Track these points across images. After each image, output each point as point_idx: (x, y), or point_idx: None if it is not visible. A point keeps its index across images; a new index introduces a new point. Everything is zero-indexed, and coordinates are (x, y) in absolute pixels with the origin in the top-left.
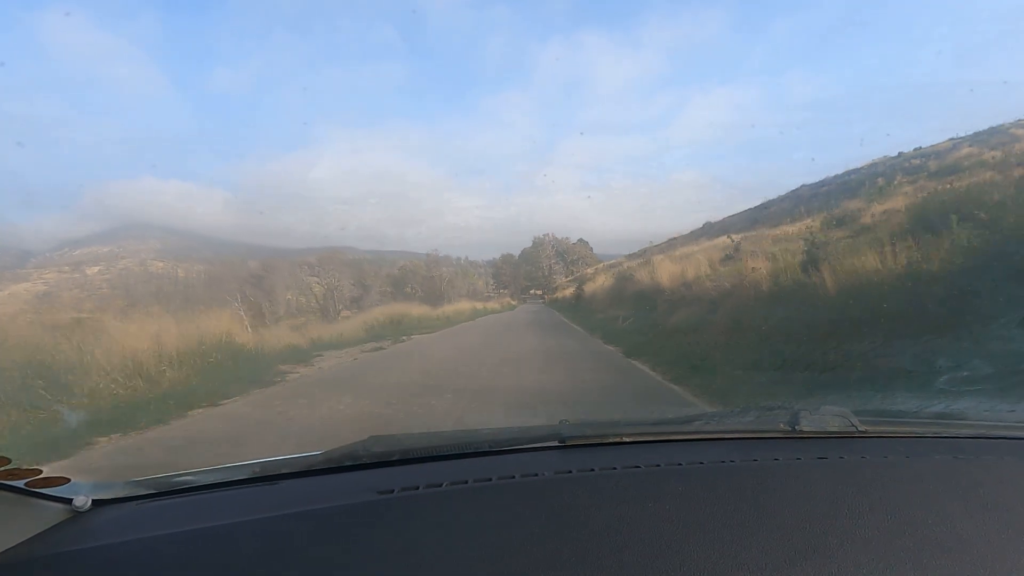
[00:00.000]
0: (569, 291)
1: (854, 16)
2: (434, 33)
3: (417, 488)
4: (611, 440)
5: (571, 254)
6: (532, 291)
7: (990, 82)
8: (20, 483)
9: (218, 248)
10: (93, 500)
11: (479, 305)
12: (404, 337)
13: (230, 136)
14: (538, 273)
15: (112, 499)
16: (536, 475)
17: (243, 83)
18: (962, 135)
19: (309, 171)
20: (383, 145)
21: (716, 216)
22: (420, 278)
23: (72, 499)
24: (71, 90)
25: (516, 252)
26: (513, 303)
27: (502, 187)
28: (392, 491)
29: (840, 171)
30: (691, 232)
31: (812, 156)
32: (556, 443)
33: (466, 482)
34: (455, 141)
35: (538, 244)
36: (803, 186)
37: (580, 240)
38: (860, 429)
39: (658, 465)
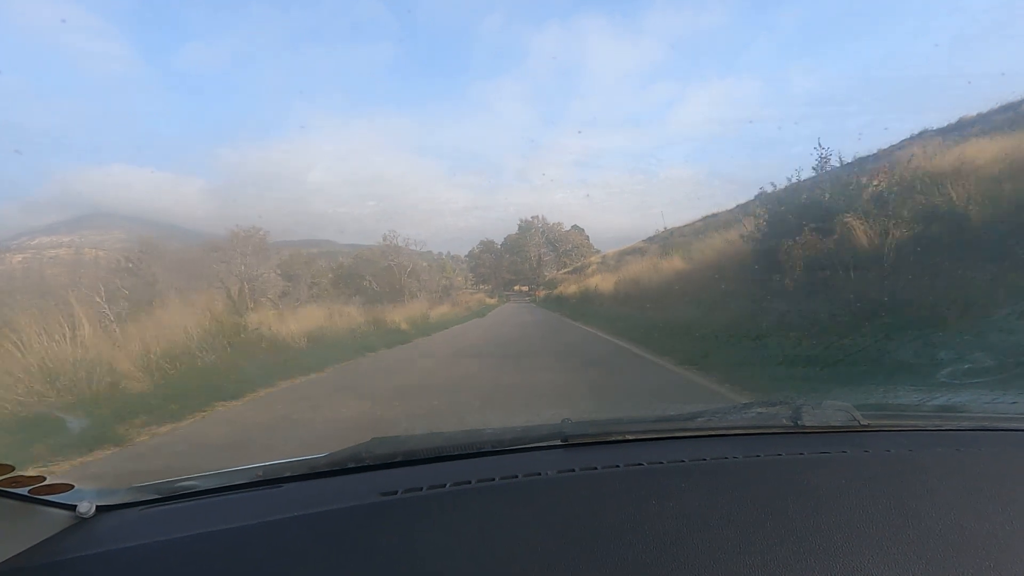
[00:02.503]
0: (603, 281)
1: (852, 6)
2: (425, 14)
3: (420, 489)
4: (614, 438)
5: (564, 243)
6: (517, 286)
7: (988, 74)
8: (23, 490)
9: (186, 239)
10: (97, 506)
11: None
12: None
13: (211, 123)
14: (524, 264)
15: (116, 505)
16: (539, 474)
17: (224, 65)
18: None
19: (299, 164)
20: (378, 142)
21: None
22: (377, 269)
23: (76, 506)
24: (38, 69)
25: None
26: (491, 301)
27: (498, 185)
28: (395, 492)
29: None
30: (733, 208)
31: (810, 151)
32: (559, 442)
33: (469, 483)
34: (451, 139)
35: (525, 230)
36: (926, 131)
37: (575, 227)
38: (862, 423)
39: (661, 463)
